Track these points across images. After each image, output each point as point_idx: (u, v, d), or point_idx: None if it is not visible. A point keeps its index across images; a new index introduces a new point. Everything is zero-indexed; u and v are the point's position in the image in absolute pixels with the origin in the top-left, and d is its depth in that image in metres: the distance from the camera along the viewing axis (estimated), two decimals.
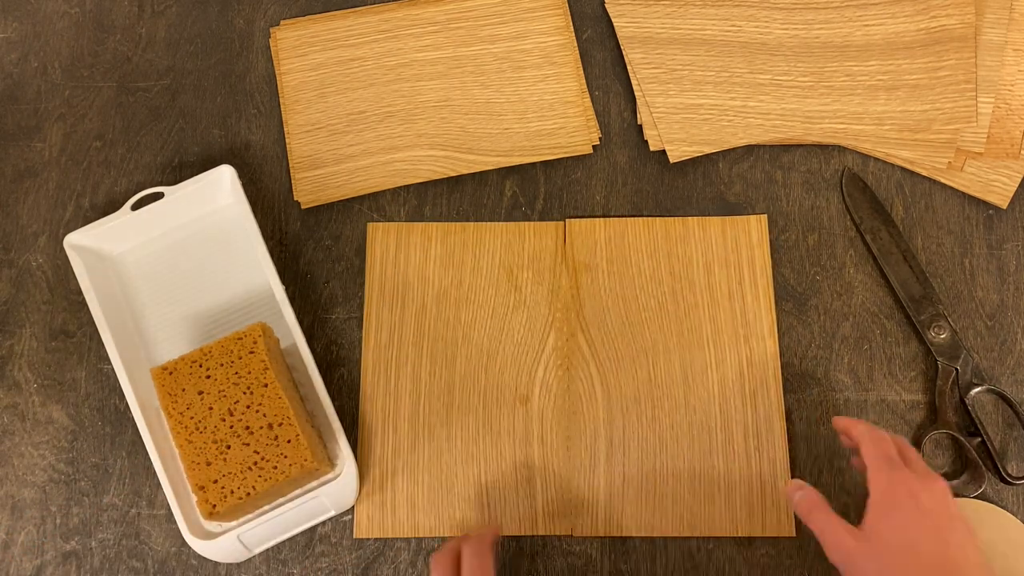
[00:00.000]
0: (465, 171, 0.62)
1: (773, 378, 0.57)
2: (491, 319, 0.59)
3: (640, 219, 0.61)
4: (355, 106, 0.64)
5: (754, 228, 0.60)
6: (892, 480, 0.45)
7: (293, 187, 0.62)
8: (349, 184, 0.62)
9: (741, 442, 0.56)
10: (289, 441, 0.51)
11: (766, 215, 0.60)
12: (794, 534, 0.55)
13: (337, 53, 0.65)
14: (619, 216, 0.61)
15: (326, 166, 0.63)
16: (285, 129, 0.64)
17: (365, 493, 0.56)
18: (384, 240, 0.60)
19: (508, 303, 0.59)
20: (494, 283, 0.59)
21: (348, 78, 0.64)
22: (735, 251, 0.60)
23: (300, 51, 0.65)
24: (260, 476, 0.50)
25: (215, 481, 0.50)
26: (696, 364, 0.58)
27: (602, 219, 0.61)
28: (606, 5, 0.66)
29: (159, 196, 0.58)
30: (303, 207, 0.62)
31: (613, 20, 0.65)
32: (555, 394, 0.57)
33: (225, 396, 0.52)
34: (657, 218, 0.61)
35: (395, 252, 0.60)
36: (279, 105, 0.64)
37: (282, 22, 0.66)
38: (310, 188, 0.62)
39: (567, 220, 0.61)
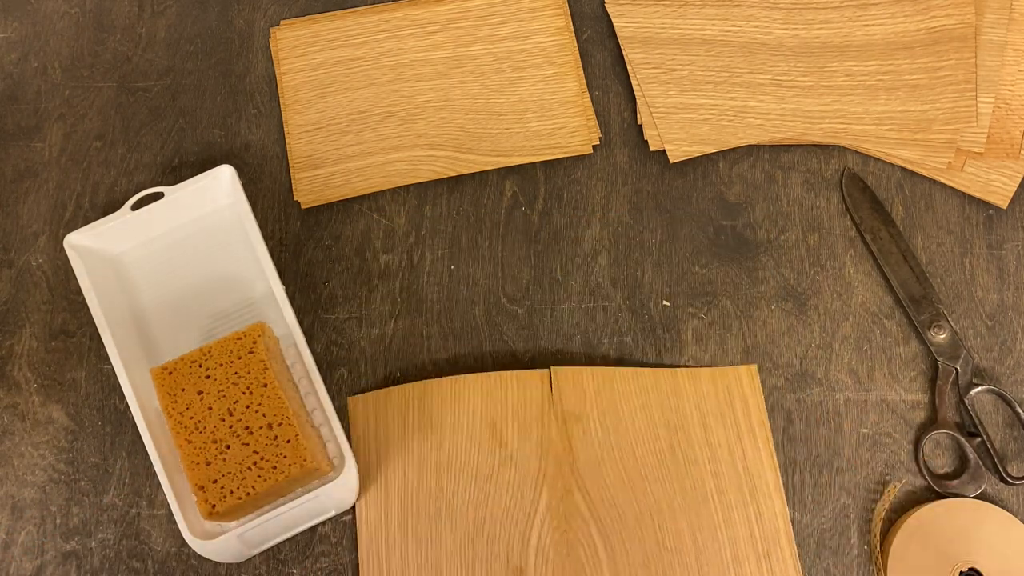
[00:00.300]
0: (465, 171, 0.62)
1: (785, 537, 0.54)
2: (475, 482, 0.54)
3: (627, 369, 0.57)
4: (355, 106, 0.64)
5: (744, 379, 0.57)
6: None
7: (293, 187, 0.62)
8: (349, 184, 0.62)
9: None
10: (289, 441, 0.51)
11: (756, 364, 0.58)
12: None
13: (337, 53, 0.65)
14: (605, 365, 0.58)
15: (326, 166, 0.63)
16: (285, 129, 0.64)
17: None
18: (364, 414, 0.57)
19: (493, 461, 0.54)
20: (476, 441, 0.55)
21: (348, 78, 0.65)
22: (728, 403, 0.56)
23: (300, 51, 0.65)
24: (260, 476, 0.50)
25: (215, 481, 0.50)
26: (704, 525, 0.54)
27: (589, 368, 0.57)
28: (606, 5, 0.66)
29: (159, 196, 0.58)
30: (303, 207, 0.62)
31: (613, 20, 0.65)
32: (553, 562, 0.52)
33: (225, 396, 0.52)
34: (645, 368, 0.57)
35: (376, 426, 0.56)
36: (279, 105, 0.65)
37: (282, 22, 0.66)
38: (310, 188, 0.62)
39: (552, 368, 0.57)
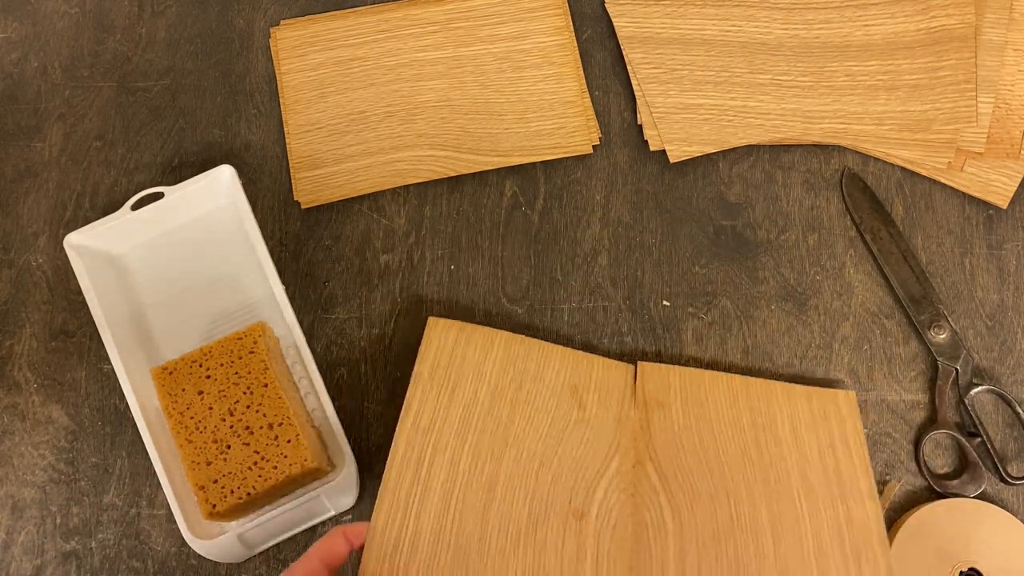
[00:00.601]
0: (465, 171, 0.62)
1: (878, 541, 0.50)
2: (549, 428, 0.52)
3: (720, 374, 0.55)
4: (355, 106, 0.64)
5: (843, 403, 0.55)
6: None
7: (293, 187, 0.62)
8: (349, 184, 0.62)
9: None
10: (289, 441, 0.51)
11: (854, 392, 0.56)
12: None
13: (337, 53, 0.65)
14: (696, 367, 0.57)
15: (326, 166, 0.63)
16: (285, 129, 0.64)
17: None
18: (443, 335, 0.55)
19: (569, 417, 0.53)
20: (556, 394, 0.53)
21: (348, 78, 0.64)
22: (824, 419, 0.54)
23: (300, 51, 0.65)
24: (260, 476, 0.50)
25: (215, 481, 0.50)
26: (785, 514, 0.51)
27: (677, 368, 0.56)
28: (606, 5, 0.66)
29: (159, 196, 0.58)
30: (303, 207, 0.62)
31: (613, 20, 0.65)
32: (616, 518, 0.50)
33: (225, 396, 0.52)
34: (737, 376, 0.56)
35: (452, 347, 0.54)
36: (279, 105, 0.65)
37: (282, 22, 0.66)
38: (310, 188, 0.62)
39: (639, 363, 0.56)
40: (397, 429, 0.52)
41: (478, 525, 0.49)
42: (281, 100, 0.64)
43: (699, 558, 0.49)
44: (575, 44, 0.65)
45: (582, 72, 0.64)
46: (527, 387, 0.54)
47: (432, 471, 0.51)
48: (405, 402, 0.53)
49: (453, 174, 0.62)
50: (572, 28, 0.65)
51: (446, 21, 0.65)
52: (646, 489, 0.51)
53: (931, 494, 0.56)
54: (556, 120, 0.63)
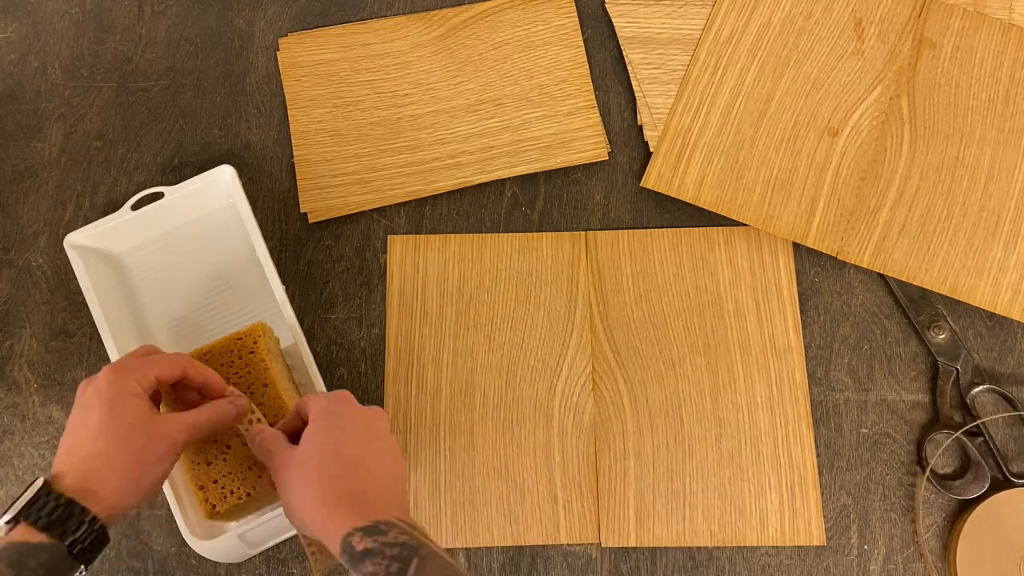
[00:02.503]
0: (477, 182, 0.62)
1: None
2: (827, 56, 0.61)
3: (1002, 24, 0.61)
4: (364, 118, 0.63)
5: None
6: (331, 400, 0.46)
7: (300, 201, 0.62)
8: (360, 196, 0.61)
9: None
10: None
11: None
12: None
13: (345, 66, 0.65)
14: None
15: (334, 179, 0.62)
16: (292, 142, 0.63)
17: None
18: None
19: (847, 48, 0.61)
20: (840, 25, 0.62)
21: (357, 92, 0.64)
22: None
23: (306, 64, 0.65)
24: (260, 476, 0.50)
25: (215, 481, 0.50)
26: (1007, 160, 0.59)
27: (962, 8, 0.62)
28: (606, 5, 0.66)
29: (159, 196, 0.58)
30: (310, 220, 0.61)
31: (613, 20, 0.65)
32: (863, 139, 0.59)
33: None
34: (1016, 27, 0.61)
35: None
36: (279, 105, 0.64)
37: (289, 35, 0.66)
38: (318, 202, 0.62)
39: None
40: (699, 40, 0.62)
41: (752, 126, 0.61)
42: (289, 114, 0.63)
43: (919, 183, 0.59)
44: (583, 51, 0.64)
45: (590, 82, 0.64)
46: (816, 16, 0.62)
47: (725, 77, 0.62)
48: (709, 19, 0.63)
49: (465, 185, 0.62)
50: (581, 34, 0.65)
51: (456, 32, 0.65)
52: (895, 119, 0.60)
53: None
54: (571, 129, 0.63)
